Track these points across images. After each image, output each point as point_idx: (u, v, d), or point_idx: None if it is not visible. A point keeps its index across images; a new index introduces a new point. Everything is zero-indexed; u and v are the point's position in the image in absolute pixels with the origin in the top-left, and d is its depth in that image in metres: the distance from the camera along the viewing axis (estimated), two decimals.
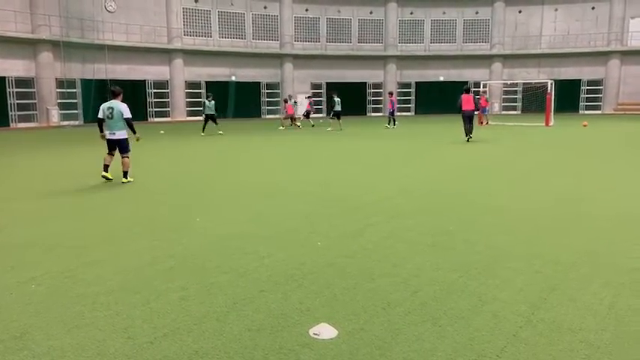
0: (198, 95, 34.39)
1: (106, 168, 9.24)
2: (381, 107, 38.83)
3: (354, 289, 3.96)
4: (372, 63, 38.88)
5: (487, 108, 26.55)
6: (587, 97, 38.29)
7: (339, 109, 23.10)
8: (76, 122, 29.77)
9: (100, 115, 9.19)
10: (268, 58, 36.41)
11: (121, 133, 9.23)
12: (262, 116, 36.96)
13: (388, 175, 9.82)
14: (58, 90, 29.22)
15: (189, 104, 34.31)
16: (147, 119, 32.48)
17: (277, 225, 5.98)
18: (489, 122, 26.28)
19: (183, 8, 33.54)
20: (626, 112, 35.67)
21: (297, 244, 5.17)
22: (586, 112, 37.75)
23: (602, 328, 3.25)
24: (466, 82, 35.05)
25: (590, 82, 38.14)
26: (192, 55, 33.89)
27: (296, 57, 36.91)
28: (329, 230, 5.70)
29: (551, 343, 3.07)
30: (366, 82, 39.28)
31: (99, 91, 29.28)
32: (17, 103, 28.00)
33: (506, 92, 39.13)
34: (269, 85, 37.20)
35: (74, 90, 29.86)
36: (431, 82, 38.99)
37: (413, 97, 39.98)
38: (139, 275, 4.32)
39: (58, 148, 16.33)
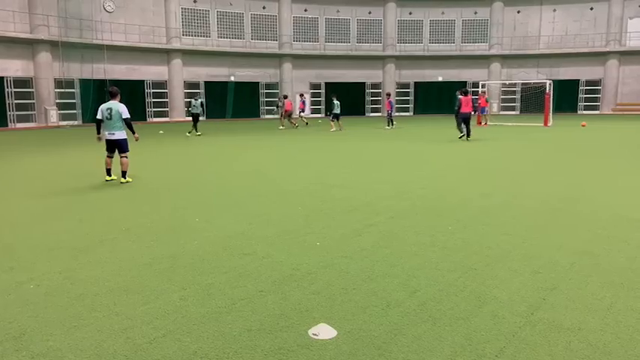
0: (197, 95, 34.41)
1: (108, 172, 9.46)
2: (380, 107, 38.84)
3: (353, 289, 3.96)
4: (371, 63, 38.90)
5: (486, 108, 26.55)
6: (585, 98, 38.32)
7: (338, 111, 23.22)
8: (75, 122, 29.73)
9: (99, 116, 9.26)
10: (267, 58, 36.40)
11: (120, 134, 9.28)
12: (261, 116, 36.96)
13: (387, 176, 9.82)
14: (57, 90, 29.17)
15: (189, 104, 34.21)
16: (146, 119, 32.45)
17: (276, 225, 5.98)
18: (488, 123, 26.29)
19: (181, 8, 33.52)
20: (625, 113, 35.72)
21: (296, 245, 5.17)
22: (584, 112, 37.78)
23: (601, 328, 3.26)
24: (465, 84, 35.26)
25: (588, 83, 38.17)
26: (190, 55, 33.88)
27: (295, 57, 36.91)
28: (328, 231, 5.70)
29: (550, 343, 3.07)
30: (364, 82, 39.28)
31: (97, 91, 29.26)
32: (15, 104, 27.95)
33: (504, 92, 39.16)
34: (268, 85, 37.20)
35: (73, 90, 29.83)
36: (429, 82, 39.01)
37: (411, 98, 39.99)
38: (138, 276, 4.32)
39: (57, 149, 16.30)
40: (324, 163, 12.18)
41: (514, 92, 38.84)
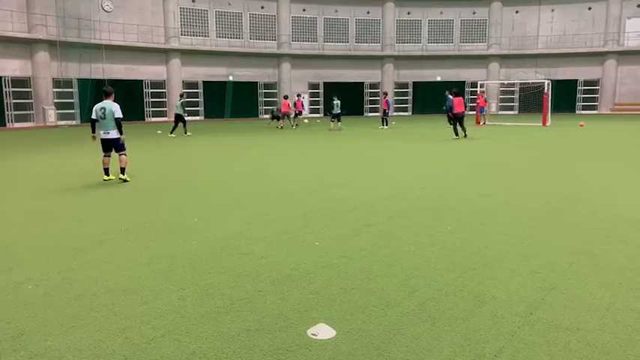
0: (196, 95, 34.37)
1: (106, 171, 9.43)
2: (378, 107, 38.83)
3: (352, 289, 3.95)
4: (370, 63, 38.90)
5: (485, 108, 26.57)
6: (583, 98, 38.36)
7: (338, 111, 23.23)
8: (73, 122, 29.69)
9: (93, 116, 9.29)
10: (266, 58, 36.38)
11: (115, 133, 9.28)
12: (260, 116, 36.93)
13: (386, 176, 9.82)
14: (55, 90, 29.13)
15: (187, 104, 34.16)
16: (144, 119, 32.42)
17: (275, 225, 5.98)
18: (487, 122, 26.30)
19: (180, 8, 33.49)
20: (623, 113, 35.77)
21: (294, 245, 5.17)
22: (583, 112, 37.82)
23: (599, 327, 3.26)
24: (463, 84, 35.30)
25: (586, 83, 38.21)
26: (189, 55, 33.84)
27: (293, 57, 36.89)
28: (326, 230, 5.70)
29: (549, 342, 3.07)
30: (363, 82, 39.29)
31: (96, 91, 29.18)
32: (14, 103, 27.91)
33: (503, 92, 39.20)
34: (266, 85, 37.19)
35: (71, 90, 29.78)
36: (428, 82, 39.02)
37: (410, 97, 40.02)
38: (137, 276, 4.31)
39: (55, 148, 16.28)
40: (323, 162, 12.18)
41: (512, 92, 38.90)
